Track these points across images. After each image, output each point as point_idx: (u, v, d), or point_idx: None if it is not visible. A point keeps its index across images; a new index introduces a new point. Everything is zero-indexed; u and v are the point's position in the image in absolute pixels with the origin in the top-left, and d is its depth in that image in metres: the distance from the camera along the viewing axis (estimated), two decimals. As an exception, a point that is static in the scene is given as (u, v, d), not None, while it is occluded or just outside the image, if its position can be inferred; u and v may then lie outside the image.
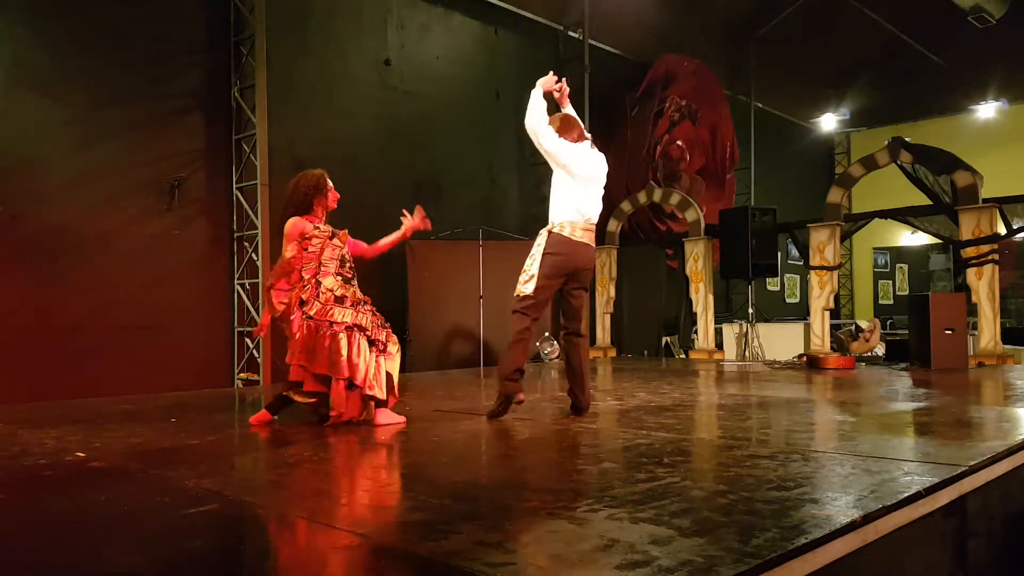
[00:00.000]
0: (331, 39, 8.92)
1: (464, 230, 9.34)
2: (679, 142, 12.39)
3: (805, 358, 8.51)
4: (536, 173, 10.09)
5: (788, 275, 16.31)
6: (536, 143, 4.23)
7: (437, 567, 1.80)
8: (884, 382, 6.30)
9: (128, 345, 7.06)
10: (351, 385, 3.98)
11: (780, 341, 10.71)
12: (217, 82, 7.96)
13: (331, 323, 3.98)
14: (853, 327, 10.33)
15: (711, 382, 6.71)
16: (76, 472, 3.02)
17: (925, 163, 8.56)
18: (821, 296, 9.15)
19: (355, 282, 4.25)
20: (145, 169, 7.33)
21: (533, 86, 4.30)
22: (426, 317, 8.98)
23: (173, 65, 7.63)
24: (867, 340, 9.74)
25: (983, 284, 7.91)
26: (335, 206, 4.33)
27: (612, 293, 10.86)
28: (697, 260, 9.95)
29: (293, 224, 4.11)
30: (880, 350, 9.82)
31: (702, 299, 9.94)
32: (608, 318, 10.87)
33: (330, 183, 4.28)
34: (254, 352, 7.83)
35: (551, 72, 4.47)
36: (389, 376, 4.12)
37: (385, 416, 4.08)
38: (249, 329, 7.85)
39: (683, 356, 11.34)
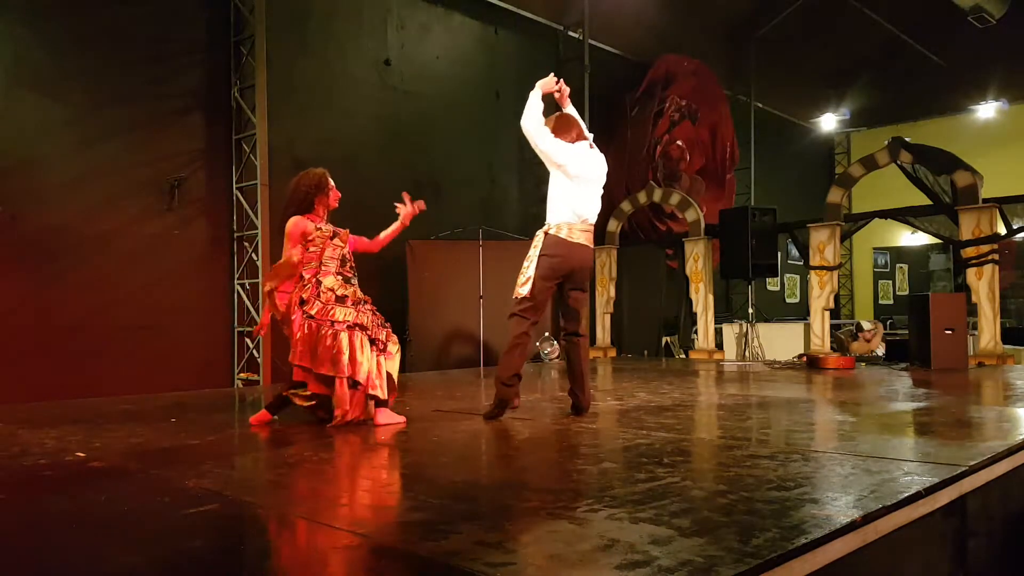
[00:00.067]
0: (331, 39, 8.92)
1: (464, 230, 9.34)
2: (679, 142, 12.39)
3: (805, 358, 8.51)
4: (536, 173, 10.09)
5: (788, 275, 16.31)
6: (532, 144, 4.23)
7: (437, 567, 1.80)
8: (884, 382, 6.30)
9: (128, 345, 7.06)
10: (354, 384, 3.98)
11: (780, 341, 10.71)
12: (217, 82, 7.96)
13: (332, 322, 3.98)
14: (854, 326, 10.34)
15: (711, 382, 6.71)
16: (76, 472, 3.01)
17: (925, 163, 8.56)
18: (821, 296, 9.15)
19: (355, 282, 4.25)
20: (145, 169, 7.34)
21: (533, 86, 4.30)
22: (426, 317, 8.98)
23: (173, 65, 7.64)
24: (868, 341, 9.75)
25: (983, 284, 7.91)
26: (336, 205, 4.33)
27: (612, 293, 10.86)
28: (697, 260, 9.95)
29: (294, 223, 4.11)
30: (880, 350, 9.82)
31: (702, 299, 9.94)
32: (608, 318, 10.87)
33: (331, 182, 4.28)
34: (254, 352, 7.83)
35: (551, 73, 4.47)
36: (389, 376, 4.12)
37: (385, 416, 4.08)
38: (249, 329, 7.85)
39: (683, 356, 11.35)
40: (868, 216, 10.03)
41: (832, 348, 9.37)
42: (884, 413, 4.48)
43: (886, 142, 8.89)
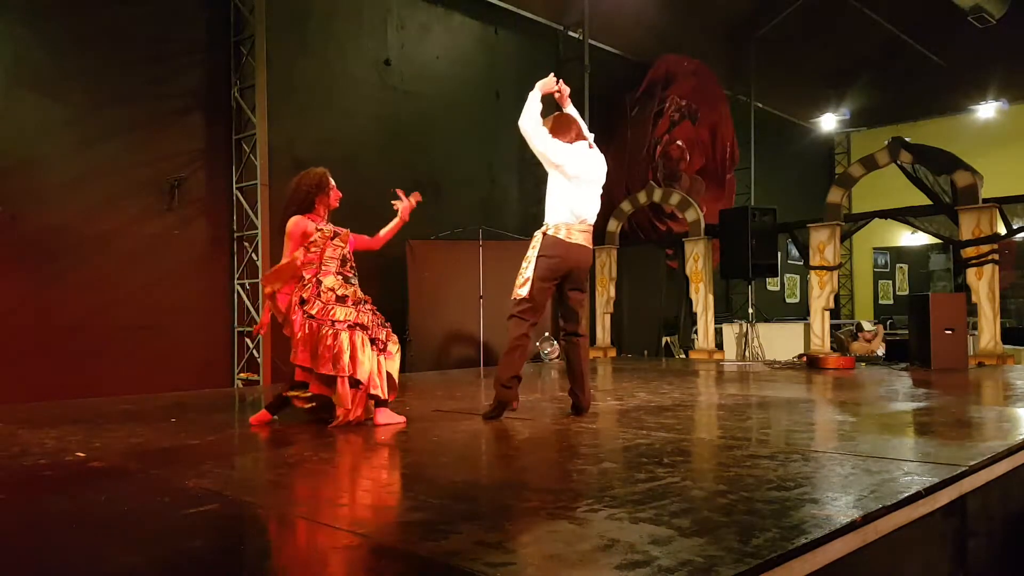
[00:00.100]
0: (331, 39, 8.92)
1: (464, 230, 9.34)
2: (679, 142, 12.39)
3: (805, 358, 8.51)
4: (536, 173, 10.05)
5: (788, 275, 16.31)
6: (529, 144, 4.22)
7: (437, 567, 1.80)
8: (884, 382, 6.30)
9: (128, 345, 7.06)
10: (355, 383, 3.98)
11: (780, 341, 10.71)
12: (217, 82, 7.96)
13: (333, 322, 3.98)
14: (854, 326, 10.34)
15: (711, 382, 6.71)
16: (76, 472, 3.01)
17: (925, 163, 8.56)
18: (821, 296, 9.15)
19: (356, 281, 4.25)
20: (145, 169, 7.34)
21: (533, 86, 4.29)
22: (426, 317, 8.98)
23: (173, 65, 7.64)
24: (868, 342, 9.75)
25: (983, 284, 7.91)
26: (337, 205, 4.33)
27: (612, 293, 10.86)
28: (697, 260, 9.96)
29: (295, 223, 4.11)
30: (880, 350, 9.83)
31: (702, 299, 9.94)
32: (608, 318, 10.87)
33: (332, 181, 4.27)
34: (254, 352, 7.83)
35: (551, 73, 4.46)
36: (389, 375, 4.12)
37: (385, 416, 4.08)
38: (249, 329, 7.85)
39: (683, 356, 11.35)
40: (868, 216, 10.03)
41: (832, 348, 9.37)
42: (884, 413, 4.48)
43: (886, 142, 8.89)
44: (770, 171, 15.22)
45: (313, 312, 4.00)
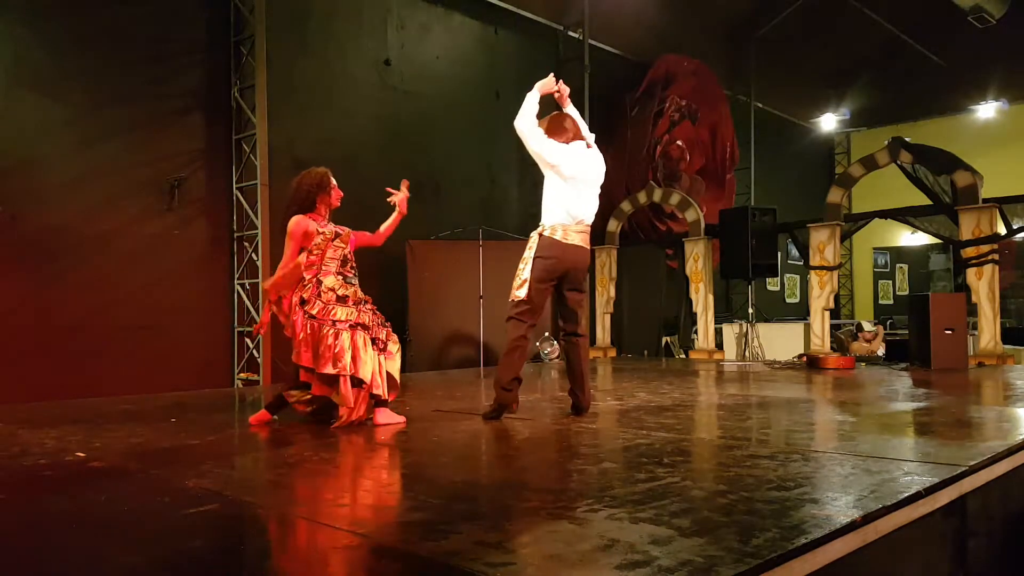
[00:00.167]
0: (331, 39, 8.92)
1: (464, 230, 9.34)
2: (679, 142, 12.39)
3: (805, 358, 8.51)
4: (536, 173, 9.97)
5: (788, 275, 16.31)
6: (525, 145, 4.22)
7: (437, 567, 1.80)
8: (884, 382, 6.30)
9: (128, 345, 7.06)
10: (358, 383, 3.98)
11: (780, 341, 10.71)
12: (217, 82, 7.96)
13: (334, 322, 3.98)
14: (854, 326, 10.34)
15: (711, 382, 6.71)
16: (76, 472, 3.01)
17: (925, 163, 8.56)
18: (821, 296, 9.15)
19: (356, 282, 4.25)
20: (145, 169, 7.34)
21: (533, 86, 4.29)
22: (426, 317, 8.98)
23: (173, 65, 7.63)
24: (868, 342, 9.75)
25: (983, 284, 7.91)
26: (338, 204, 4.32)
27: (612, 293, 10.87)
28: (697, 260, 9.96)
29: (296, 223, 4.11)
30: (880, 350, 9.83)
31: (702, 299, 9.94)
32: (608, 318, 10.87)
33: (333, 181, 4.27)
34: (254, 352, 7.83)
35: (551, 74, 4.46)
36: (390, 375, 4.13)
37: (385, 416, 4.08)
38: (249, 329, 7.85)
39: (683, 356, 11.34)
40: (868, 216, 10.03)
41: (832, 348, 9.37)
42: (884, 413, 4.48)
43: (886, 142, 8.90)
44: (770, 171, 15.22)
45: (314, 312, 4.00)
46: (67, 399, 5.77)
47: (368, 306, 4.17)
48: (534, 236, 4.26)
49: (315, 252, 4.11)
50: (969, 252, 8.01)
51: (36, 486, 2.84)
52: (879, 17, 12.84)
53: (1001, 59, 13.49)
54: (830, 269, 9.12)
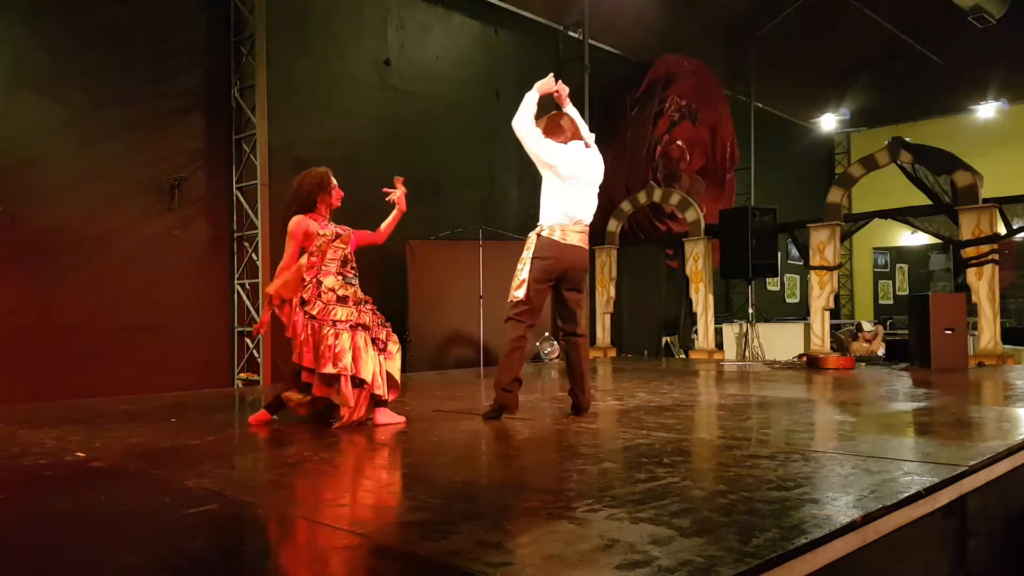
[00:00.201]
0: (331, 39, 8.92)
1: (464, 230, 9.34)
2: (679, 142, 12.39)
3: (805, 358, 8.51)
4: (535, 173, 10.02)
5: (788, 275, 16.31)
6: (523, 144, 4.22)
7: (437, 567, 1.80)
8: (884, 382, 6.30)
9: (128, 345, 7.06)
10: (359, 383, 3.98)
11: (780, 341, 10.72)
12: (217, 82, 7.96)
13: (334, 322, 3.98)
14: (854, 326, 10.34)
15: (711, 382, 6.71)
16: (76, 472, 3.01)
17: (925, 163, 8.56)
18: (821, 296, 9.16)
19: (356, 282, 4.25)
20: (145, 169, 7.33)
21: (533, 86, 4.29)
22: (426, 317, 8.98)
23: (173, 65, 7.63)
24: (868, 342, 9.75)
25: (983, 284, 7.91)
26: (339, 204, 4.32)
27: (612, 293, 10.87)
28: (697, 260, 9.96)
29: (297, 223, 4.11)
30: (880, 350, 9.83)
31: (702, 299, 9.94)
32: (608, 318, 10.87)
33: (334, 181, 4.27)
34: (254, 352, 7.83)
35: (551, 74, 4.45)
36: (390, 375, 4.13)
37: (385, 416, 4.08)
38: (249, 329, 7.85)
39: (683, 356, 11.35)
40: (868, 216, 10.04)
41: (832, 348, 9.37)
42: (884, 413, 4.48)
43: (886, 142, 8.90)
44: (770, 171, 15.22)
45: (314, 313, 4.00)
46: (67, 399, 5.77)
47: (368, 306, 4.17)
48: (532, 236, 4.25)
49: (316, 254, 4.11)
50: (969, 252, 8.02)
51: (36, 486, 2.84)
52: (879, 17, 12.84)
53: (1001, 59, 13.49)
54: (830, 269, 9.12)
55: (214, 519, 2.32)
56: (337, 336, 3.95)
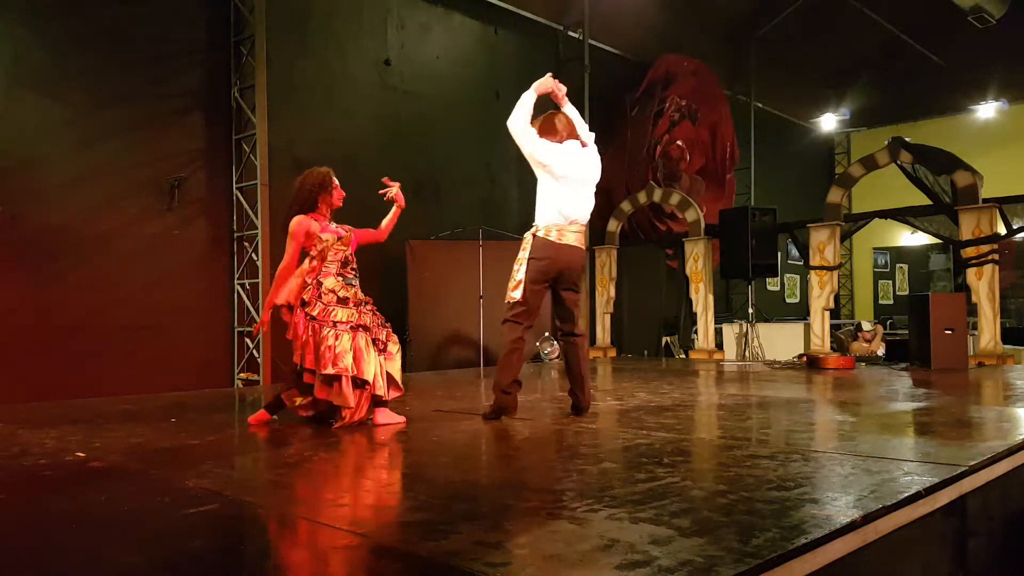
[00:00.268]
0: (331, 39, 8.92)
1: (464, 230, 9.34)
2: (679, 142, 12.39)
3: (805, 358, 8.51)
4: (534, 173, 10.07)
5: (788, 275, 16.31)
6: (518, 144, 4.22)
7: (437, 567, 1.80)
8: (884, 382, 6.30)
9: (128, 345, 7.06)
10: (360, 383, 3.98)
11: (780, 341, 10.72)
12: (217, 82, 7.96)
13: (335, 323, 3.98)
14: (854, 326, 10.34)
15: (711, 382, 6.71)
16: (76, 472, 3.01)
17: (925, 163, 8.56)
18: (821, 296, 9.16)
19: (357, 283, 4.24)
20: (145, 169, 7.33)
21: (531, 86, 4.29)
22: (426, 317, 8.98)
23: (173, 65, 7.63)
24: (868, 342, 9.75)
25: (983, 284, 7.91)
26: (340, 204, 4.32)
27: (612, 293, 10.87)
28: (697, 260, 9.96)
29: (298, 222, 4.11)
30: (880, 350, 9.83)
31: (702, 299, 9.94)
32: (608, 318, 10.87)
33: (336, 181, 4.27)
34: (254, 352, 7.83)
35: (548, 74, 4.45)
36: (391, 375, 4.13)
37: (385, 416, 4.08)
38: (249, 329, 7.85)
39: (683, 356, 11.35)
40: (868, 216, 10.03)
41: (832, 348, 9.37)
42: (884, 413, 4.48)
43: (886, 142, 8.90)
44: (770, 171, 15.21)
45: (315, 314, 4.00)
46: (67, 399, 5.77)
47: (368, 307, 4.17)
48: (528, 237, 4.25)
49: (317, 257, 4.11)
50: (969, 252, 8.01)
51: (36, 486, 2.84)
52: (879, 17, 12.84)
53: (1001, 59, 13.48)
54: (830, 269, 9.12)
55: (214, 519, 2.32)
56: (338, 337, 3.95)
